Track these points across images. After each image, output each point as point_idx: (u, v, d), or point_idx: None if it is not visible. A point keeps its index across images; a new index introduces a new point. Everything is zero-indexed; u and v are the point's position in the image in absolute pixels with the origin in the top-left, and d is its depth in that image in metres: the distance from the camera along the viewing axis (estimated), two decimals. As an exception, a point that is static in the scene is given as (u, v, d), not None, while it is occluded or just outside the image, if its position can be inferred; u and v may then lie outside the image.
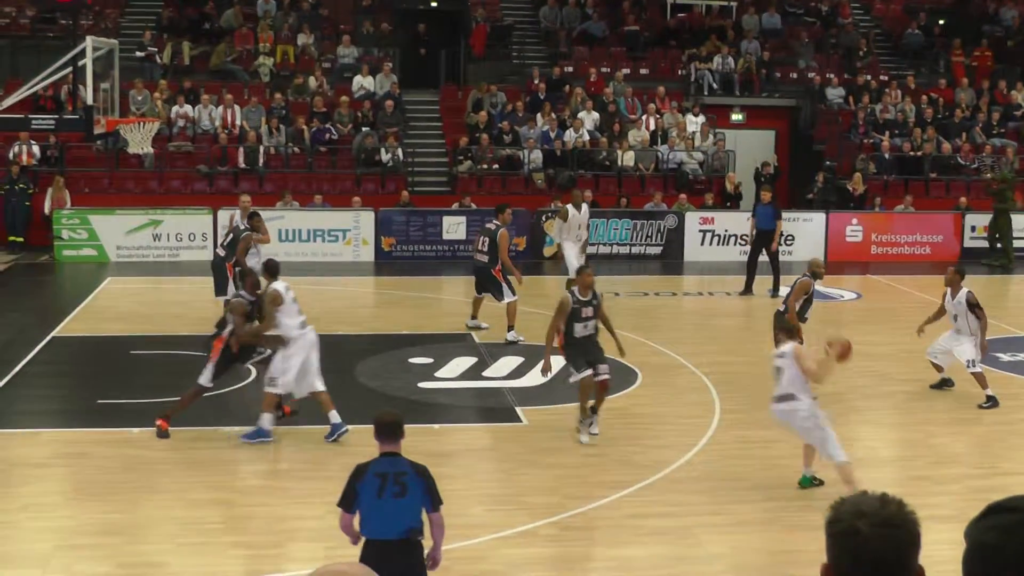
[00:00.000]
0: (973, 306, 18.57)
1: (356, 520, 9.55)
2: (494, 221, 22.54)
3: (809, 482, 14.43)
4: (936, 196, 36.52)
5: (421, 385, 19.10)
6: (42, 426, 17.11)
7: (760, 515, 13.57)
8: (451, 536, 12.35)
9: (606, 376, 16.22)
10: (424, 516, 9.55)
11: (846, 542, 3.47)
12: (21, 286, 28.81)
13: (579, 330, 16.28)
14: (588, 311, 16.33)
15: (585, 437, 16.12)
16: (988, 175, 35.25)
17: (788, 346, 14.05)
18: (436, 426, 17.10)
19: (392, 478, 9.41)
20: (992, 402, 18.39)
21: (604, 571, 12.12)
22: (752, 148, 39.01)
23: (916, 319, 24.60)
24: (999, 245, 33.24)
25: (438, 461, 15.25)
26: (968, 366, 18.58)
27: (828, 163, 37.38)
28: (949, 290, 18.87)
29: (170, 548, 12.57)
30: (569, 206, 25.00)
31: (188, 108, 35.99)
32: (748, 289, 27.53)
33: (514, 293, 22.06)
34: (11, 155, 33.27)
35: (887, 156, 37.00)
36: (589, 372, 16.03)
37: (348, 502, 9.54)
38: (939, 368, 19.28)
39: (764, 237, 27.43)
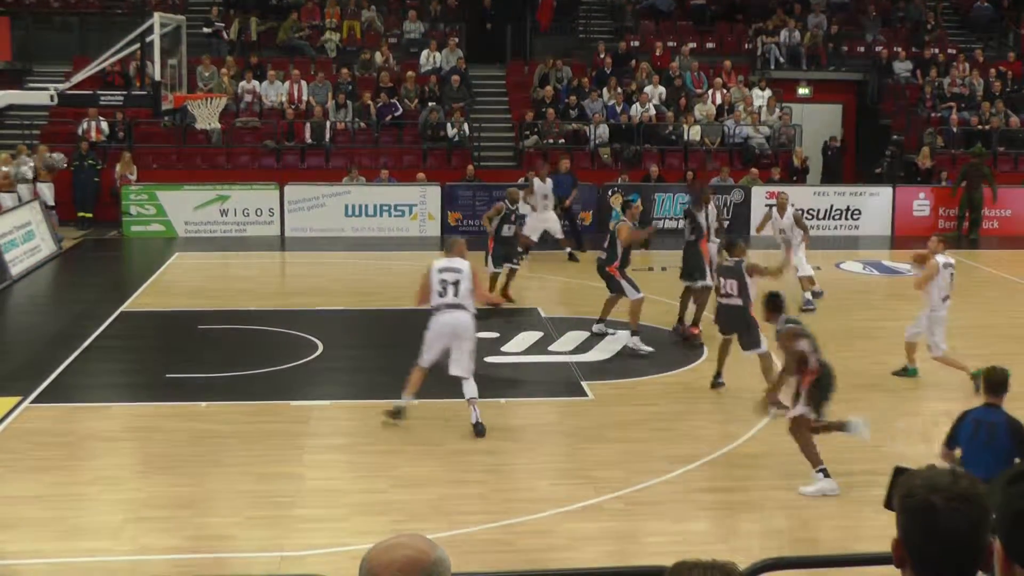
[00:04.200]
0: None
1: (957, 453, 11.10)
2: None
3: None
4: (1004, 170, 36.10)
5: (487, 359, 19.07)
6: (112, 400, 17.28)
7: (826, 490, 13.52)
8: (516, 510, 12.47)
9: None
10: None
11: (920, 516, 3.45)
12: (90, 261, 29.07)
13: None
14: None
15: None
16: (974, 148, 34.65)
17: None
18: (502, 400, 17.07)
19: (985, 427, 10.99)
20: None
21: (669, 545, 12.09)
22: (819, 122, 38.85)
23: (984, 294, 24.41)
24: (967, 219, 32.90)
25: (504, 435, 15.34)
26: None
27: (895, 137, 37.07)
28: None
29: (238, 521, 12.66)
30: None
31: (255, 84, 36.17)
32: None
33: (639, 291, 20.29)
34: (80, 131, 33.56)
35: (955, 130, 36.69)
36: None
37: (950, 440, 11.24)
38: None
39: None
